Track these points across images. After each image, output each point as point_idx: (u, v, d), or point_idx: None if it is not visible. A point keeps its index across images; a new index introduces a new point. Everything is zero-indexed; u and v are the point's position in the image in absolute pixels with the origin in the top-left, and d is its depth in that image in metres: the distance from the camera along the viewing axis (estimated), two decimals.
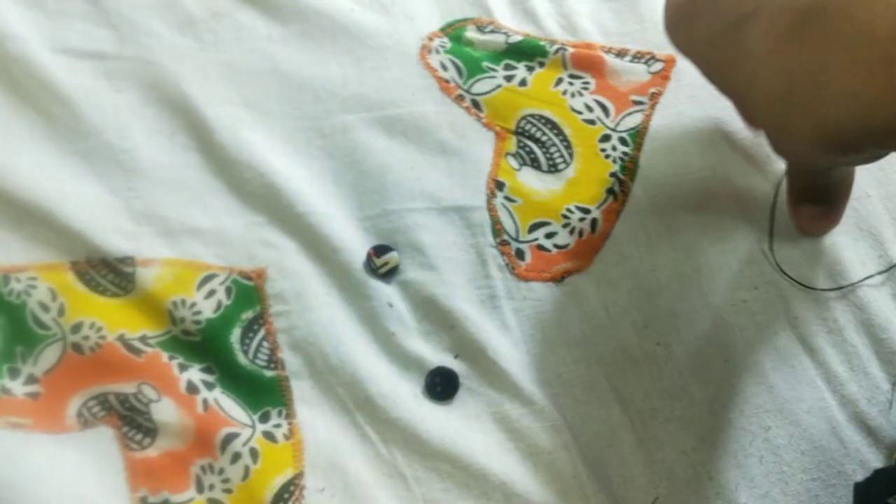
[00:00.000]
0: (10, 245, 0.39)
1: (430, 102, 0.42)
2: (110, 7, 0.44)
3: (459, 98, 0.43)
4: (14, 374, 0.37)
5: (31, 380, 0.37)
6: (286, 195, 0.40)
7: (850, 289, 0.40)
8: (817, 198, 0.39)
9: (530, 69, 0.43)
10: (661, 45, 0.43)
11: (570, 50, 0.43)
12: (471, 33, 0.44)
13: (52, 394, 0.37)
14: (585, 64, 0.43)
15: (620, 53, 0.44)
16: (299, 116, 0.42)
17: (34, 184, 0.39)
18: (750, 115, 0.33)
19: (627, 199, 0.41)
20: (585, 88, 0.43)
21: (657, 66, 0.43)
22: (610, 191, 0.41)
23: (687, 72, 0.43)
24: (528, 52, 0.43)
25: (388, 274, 0.39)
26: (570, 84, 0.43)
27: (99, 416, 0.37)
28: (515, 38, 0.43)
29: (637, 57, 0.43)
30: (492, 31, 0.44)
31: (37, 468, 0.35)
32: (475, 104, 0.43)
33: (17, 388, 0.37)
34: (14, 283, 0.38)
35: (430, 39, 0.44)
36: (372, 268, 0.39)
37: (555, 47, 0.43)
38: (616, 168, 0.42)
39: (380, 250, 0.39)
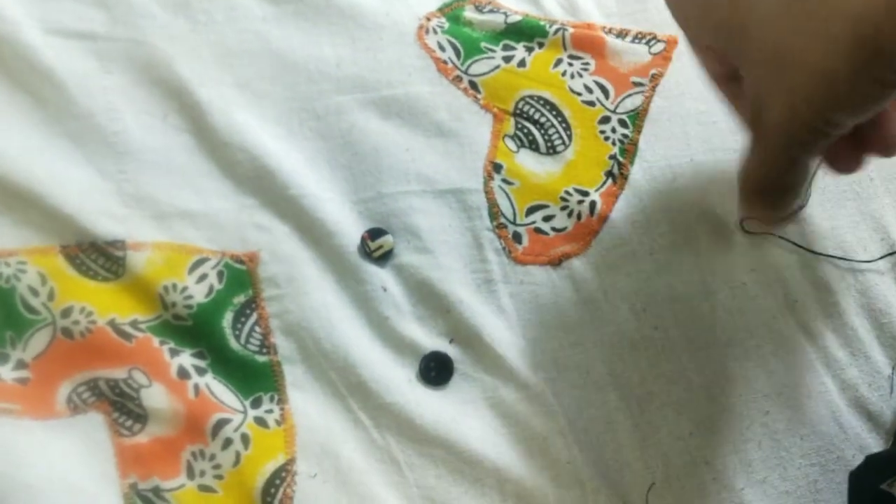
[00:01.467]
0: (0, 229, 0.38)
1: (426, 83, 0.42)
2: None
3: (457, 79, 0.42)
4: (3, 359, 0.36)
5: (21, 365, 0.36)
6: (279, 177, 0.39)
7: (850, 271, 0.40)
8: (778, 191, 0.31)
9: (529, 50, 0.42)
10: (663, 25, 0.43)
11: (570, 30, 0.42)
12: (469, 13, 0.43)
13: (41, 379, 0.36)
14: (586, 44, 0.42)
15: (621, 34, 0.43)
16: (293, 97, 0.42)
17: (24, 167, 0.39)
18: (745, 57, 0.29)
19: (626, 181, 0.41)
20: (585, 69, 0.42)
21: (658, 47, 0.43)
22: (609, 173, 0.41)
23: (689, 52, 0.42)
24: (527, 32, 0.42)
25: (383, 258, 0.38)
26: (570, 65, 0.42)
27: (89, 402, 0.36)
28: (514, 18, 0.43)
29: (638, 37, 0.43)
30: (490, 11, 0.43)
31: (26, 454, 0.35)
32: (473, 85, 0.42)
33: (6, 373, 0.36)
34: (3, 267, 0.37)
35: (428, 19, 0.43)
36: (366, 251, 0.38)
37: (554, 27, 0.42)
38: (615, 150, 0.41)
39: (374, 234, 0.38)
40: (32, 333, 0.37)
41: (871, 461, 0.36)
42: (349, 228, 0.39)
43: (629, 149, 0.41)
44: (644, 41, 0.43)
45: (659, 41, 0.43)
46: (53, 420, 0.36)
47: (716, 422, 0.38)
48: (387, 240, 0.38)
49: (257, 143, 0.40)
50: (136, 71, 0.42)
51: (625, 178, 0.41)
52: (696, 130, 0.41)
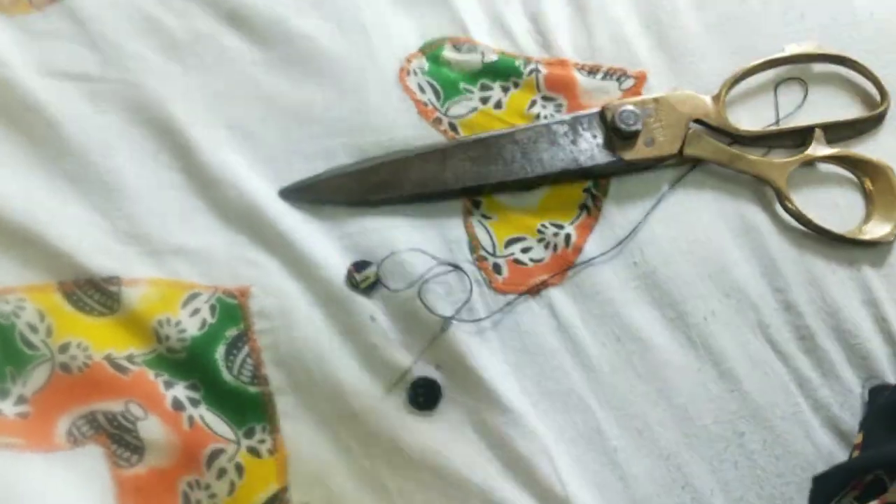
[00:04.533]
0: None
1: (408, 127, 0.43)
2: (95, 29, 0.45)
3: (437, 121, 0.44)
4: (4, 394, 0.38)
5: (21, 400, 0.38)
6: (267, 214, 0.41)
7: (820, 297, 0.41)
8: None
9: (505, 90, 0.44)
10: (633, 61, 0.45)
11: (544, 71, 0.44)
12: (448, 53, 0.45)
13: (41, 413, 0.37)
14: (558, 85, 0.44)
15: (592, 70, 0.45)
16: (282, 139, 0.43)
17: (22, 205, 0.40)
18: None
19: (601, 214, 0.42)
20: (558, 110, 0.44)
21: (628, 83, 0.44)
22: (583, 206, 0.42)
23: (657, 88, 0.44)
24: (503, 72, 0.44)
25: (369, 288, 0.40)
26: (543, 107, 0.44)
27: (88, 435, 0.37)
28: (491, 58, 0.45)
29: (609, 74, 0.45)
30: (468, 51, 0.45)
31: (28, 486, 0.36)
32: (452, 127, 0.44)
33: (8, 408, 0.37)
34: (3, 304, 0.39)
35: (409, 61, 0.45)
36: (353, 283, 0.40)
37: (529, 67, 0.44)
38: (589, 184, 0.43)
39: (360, 266, 0.40)
40: (32, 369, 0.38)
41: (839, 470, 0.37)
42: (336, 261, 0.40)
43: (603, 183, 0.43)
44: (615, 77, 0.45)
45: (629, 77, 0.45)
46: (54, 453, 0.37)
47: (693, 443, 0.40)
48: (372, 271, 0.40)
49: (247, 181, 0.41)
50: (128, 111, 0.43)
51: (599, 210, 0.42)
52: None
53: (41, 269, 0.40)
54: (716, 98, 0.43)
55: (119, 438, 0.37)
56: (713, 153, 0.43)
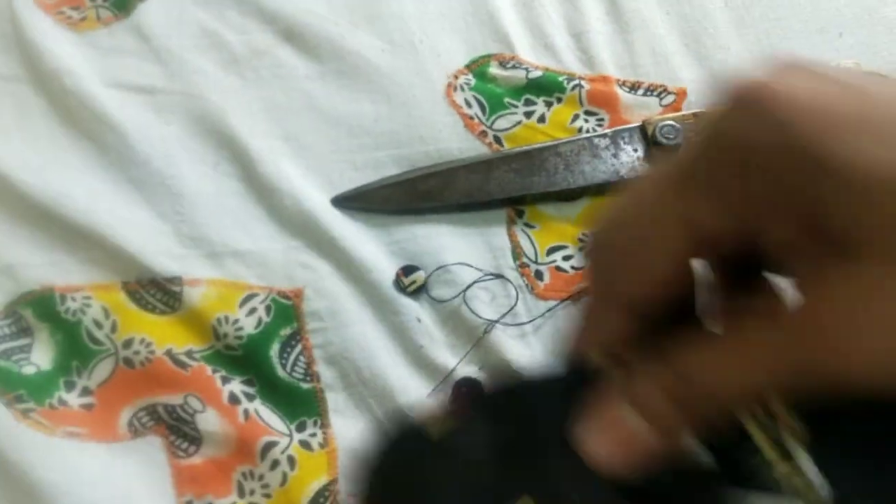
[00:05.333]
0: (68, 267, 0.42)
1: (455, 139, 0.45)
2: (160, 45, 0.47)
3: (483, 134, 0.45)
4: (70, 386, 0.40)
5: (86, 392, 0.40)
6: (321, 221, 0.42)
7: None
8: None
9: (549, 105, 0.46)
10: (673, 77, 0.46)
11: (587, 87, 0.46)
12: (494, 69, 0.47)
13: (105, 405, 0.40)
14: (600, 100, 0.46)
15: (634, 87, 0.46)
16: (334, 150, 0.45)
17: (89, 209, 0.43)
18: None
19: None
20: (600, 125, 0.46)
21: (669, 99, 0.46)
22: None
23: (696, 104, 0.45)
24: (547, 87, 0.46)
25: (416, 292, 0.41)
26: (586, 121, 0.46)
27: (148, 426, 0.39)
28: (535, 74, 0.46)
29: (650, 90, 0.46)
30: (513, 67, 0.47)
31: (91, 474, 0.38)
32: (497, 140, 0.45)
33: (73, 399, 0.39)
34: (70, 301, 0.41)
35: (456, 77, 0.47)
36: (400, 286, 0.41)
37: (572, 83, 0.46)
38: None
39: (407, 270, 0.42)
40: (97, 363, 0.40)
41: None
42: (384, 266, 0.42)
43: None
44: (655, 93, 0.46)
45: (669, 93, 0.46)
46: (116, 443, 0.39)
47: None
48: (419, 275, 0.42)
49: (301, 189, 0.44)
50: (190, 122, 0.46)
51: None
52: None
53: (107, 269, 0.42)
54: None
55: (178, 430, 0.39)
56: None
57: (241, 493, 0.38)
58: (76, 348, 0.40)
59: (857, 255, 0.19)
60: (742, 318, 0.21)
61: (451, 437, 0.26)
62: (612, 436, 0.22)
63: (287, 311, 0.41)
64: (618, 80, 0.47)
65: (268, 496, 0.38)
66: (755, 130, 0.19)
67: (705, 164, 0.20)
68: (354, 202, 0.44)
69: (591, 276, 0.24)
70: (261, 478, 0.38)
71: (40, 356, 0.40)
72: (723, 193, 0.20)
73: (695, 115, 0.44)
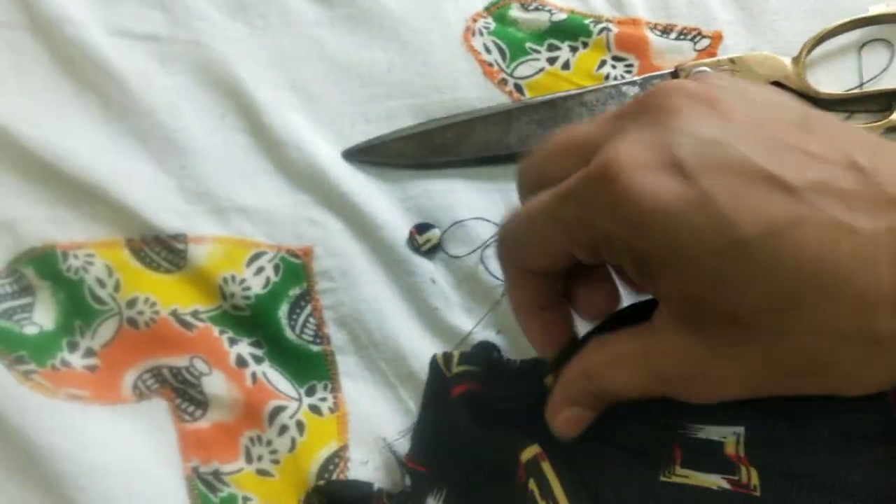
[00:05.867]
0: (69, 223, 0.40)
1: (472, 88, 0.43)
2: None
3: (503, 82, 0.43)
4: (73, 347, 0.38)
5: (89, 353, 0.38)
6: (330, 176, 0.40)
7: None
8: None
9: (574, 50, 0.43)
10: (708, 20, 0.43)
11: (615, 30, 0.43)
12: (515, 12, 0.44)
13: (108, 366, 0.38)
14: (629, 45, 0.43)
15: (666, 30, 0.43)
16: (345, 101, 0.43)
17: (91, 164, 0.41)
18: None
19: None
20: (629, 71, 0.43)
21: (703, 43, 0.43)
22: None
23: (733, 48, 0.42)
24: (571, 31, 0.43)
25: (430, 251, 0.39)
26: (613, 67, 0.43)
27: (153, 389, 0.38)
28: (560, 17, 0.43)
29: (683, 34, 0.43)
30: (536, 9, 0.44)
31: (94, 437, 0.36)
32: (518, 88, 0.43)
33: (76, 360, 0.38)
34: (72, 259, 0.39)
35: (475, 20, 0.44)
36: (414, 245, 0.39)
37: (599, 26, 0.43)
38: None
39: (421, 228, 0.40)
40: (100, 323, 0.39)
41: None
42: (398, 223, 0.40)
43: None
44: (689, 37, 0.43)
45: (704, 37, 0.43)
46: (120, 405, 0.38)
47: None
48: (434, 233, 0.39)
49: (311, 142, 0.41)
50: (195, 72, 0.43)
51: None
52: None
53: (109, 225, 0.40)
54: (795, 60, 0.41)
55: (183, 393, 0.38)
56: None
57: (249, 459, 0.37)
58: (79, 308, 0.39)
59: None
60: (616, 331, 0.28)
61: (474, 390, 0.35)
62: (562, 413, 0.30)
63: (296, 271, 0.39)
64: (648, 23, 0.43)
65: (276, 462, 0.36)
66: (599, 210, 0.25)
67: (571, 209, 0.26)
68: (366, 156, 0.42)
69: (501, 258, 0.31)
70: (269, 443, 0.37)
71: (42, 316, 0.39)
72: (578, 234, 0.26)
73: (731, 60, 0.41)
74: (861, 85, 0.42)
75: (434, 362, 0.37)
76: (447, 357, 0.36)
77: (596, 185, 0.25)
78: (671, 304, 0.25)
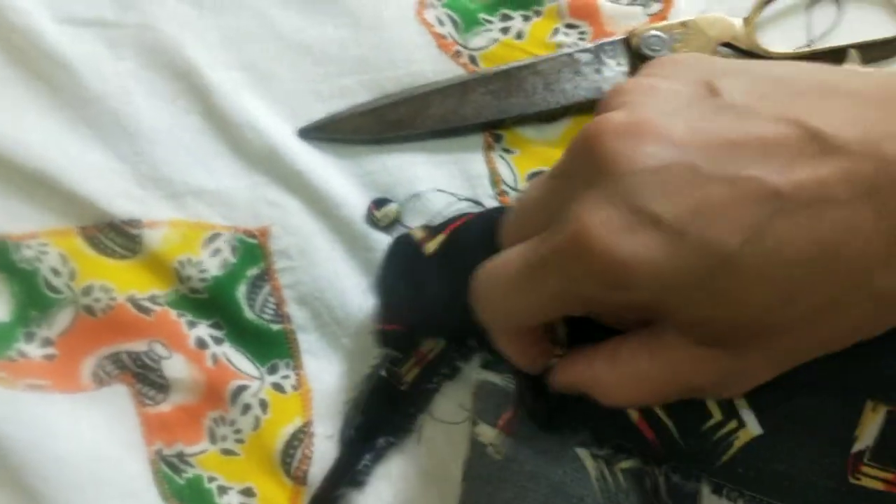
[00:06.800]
0: (22, 213, 0.40)
1: (427, 61, 0.42)
2: None
3: (457, 54, 0.43)
4: (30, 337, 0.38)
5: (47, 342, 0.38)
6: (286, 155, 0.40)
7: None
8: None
9: (527, 19, 0.43)
10: None
11: None
12: None
13: (67, 355, 0.38)
14: (582, 12, 0.43)
15: None
16: (299, 79, 0.42)
17: (42, 152, 0.40)
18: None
19: None
20: (582, 38, 0.43)
21: (655, 8, 0.43)
22: None
23: (685, 11, 0.42)
24: (524, 0, 0.43)
25: (389, 226, 0.39)
26: (567, 35, 0.43)
27: (113, 375, 0.38)
28: None
29: None
30: None
31: (56, 427, 0.36)
32: (472, 60, 0.43)
33: (34, 351, 0.38)
34: (26, 250, 0.39)
35: None
36: (373, 220, 0.39)
37: None
38: None
39: (380, 203, 0.39)
40: (57, 312, 0.38)
41: None
42: (356, 199, 0.40)
43: None
44: (640, 2, 0.43)
45: (655, 1, 0.43)
46: (80, 393, 0.37)
47: None
48: (392, 208, 0.39)
49: (265, 122, 0.41)
50: (145, 56, 0.43)
51: None
52: None
53: (62, 213, 0.40)
54: (746, 20, 0.41)
55: (144, 378, 0.37)
56: None
57: (213, 440, 0.36)
58: (34, 298, 0.38)
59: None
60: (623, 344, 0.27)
61: (442, 251, 0.36)
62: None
63: (253, 251, 0.39)
64: None
65: (240, 441, 0.36)
66: (584, 279, 0.24)
67: (554, 282, 0.26)
68: (322, 133, 0.41)
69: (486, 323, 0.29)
70: (232, 423, 0.36)
71: None
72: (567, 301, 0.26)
73: (682, 24, 0.41)
74: (810, 43, 0.42)
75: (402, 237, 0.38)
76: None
77: (573, 257, 0.24)
78: (682, 329, 0.25)
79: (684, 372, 0.26)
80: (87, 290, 0.38)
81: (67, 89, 0.42)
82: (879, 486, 0.25)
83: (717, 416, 0.29)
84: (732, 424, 0.29)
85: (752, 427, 0.28)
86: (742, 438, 0.29)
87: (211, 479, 0.36)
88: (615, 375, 0.27)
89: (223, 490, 0.36)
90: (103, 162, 0.41)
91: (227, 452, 0.36)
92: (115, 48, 0.43)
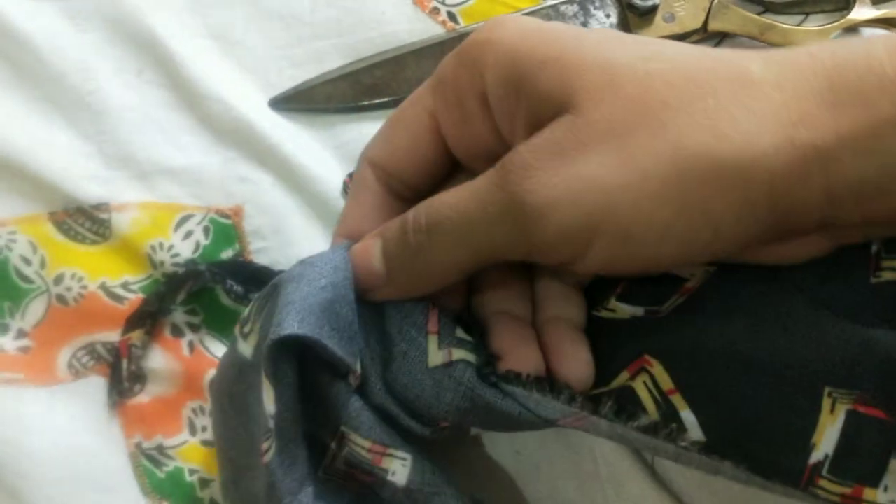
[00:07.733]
0: None
1: (402, 20, 0.40)
2: None
3: (434, 11, 0.40)
4: (3, 329, 0.37)
5: (21, 334, 0.37)
6: (258, 127, 0.38)
7: None
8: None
9: None
10: None
11: None
12: None
13: (41, 347, 0.37)
14: None
15: None
16: (269, 45, 0.40)
17: (4, 135, 0.38)
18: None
19: None
20: None
21: None
22: None
23: None
24: None
25: None
26: None
27: (89, 366, 0.36)
28: None
29: None
30: None
31: (32, 422, 0.35)
32: (451, 16, 0.40)
33: (8, 343, 0.37)
34: None
35: None
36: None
37: None
38: None
39: None
40: (29, 302, 0.37)
41: None
42: (332, 172, 0.38)
43: None
44: None
45: None
46: (57, 386, 0.36)
47: None
48: None
49: (235, 93, 0.39)
50: (108, 27, 0.40)
51: None
52: None
53: (30, 199, 0.38)
54: None
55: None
56: (742, 25, 0.38)
57: (193, 431, 0.35)
58: (5, 288, 0.37)
59: (571, 108, 0.24)
60: None
61: None
62: None
63: (227, 231, 0.37)
64: None
65: None
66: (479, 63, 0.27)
67: (447, 82, 0.28)
68: (294, 103, 0.39)
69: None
70: (212, 413, 0.35)
71: None
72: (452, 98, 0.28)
73: None
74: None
75: None
76: None
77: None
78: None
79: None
80: (59, 279, 0.37)
81: (28, 67, 0.40)
82: (836, 499, 0.23)
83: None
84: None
85: (694, 432, 0.25)
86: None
87: (192, 472, 0.35)
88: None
89: (205, 483, 0.35)
90: (68, 143, 0.39)
91: (207, 444, 0.35)
92: (76, 20, 0.41)
